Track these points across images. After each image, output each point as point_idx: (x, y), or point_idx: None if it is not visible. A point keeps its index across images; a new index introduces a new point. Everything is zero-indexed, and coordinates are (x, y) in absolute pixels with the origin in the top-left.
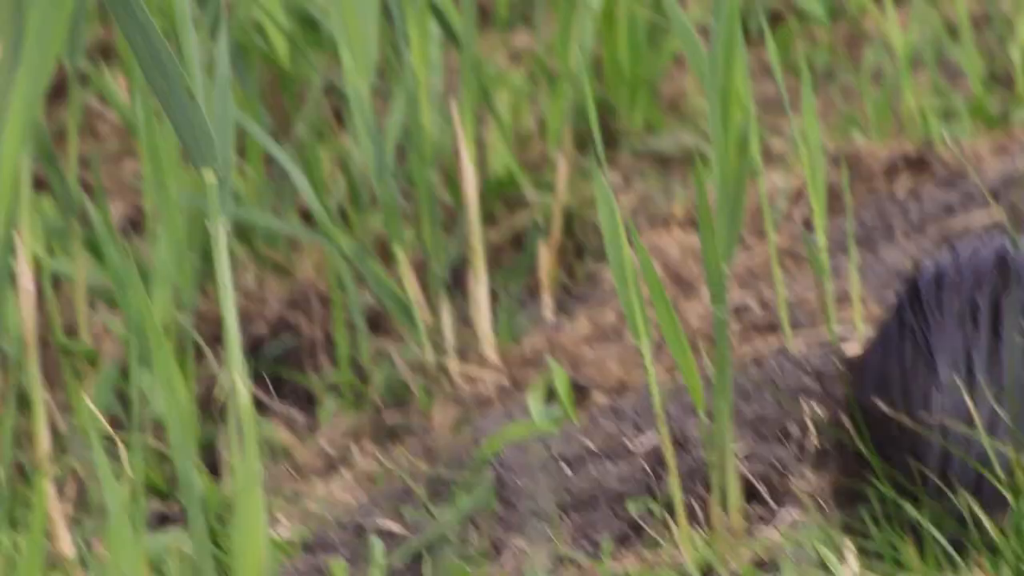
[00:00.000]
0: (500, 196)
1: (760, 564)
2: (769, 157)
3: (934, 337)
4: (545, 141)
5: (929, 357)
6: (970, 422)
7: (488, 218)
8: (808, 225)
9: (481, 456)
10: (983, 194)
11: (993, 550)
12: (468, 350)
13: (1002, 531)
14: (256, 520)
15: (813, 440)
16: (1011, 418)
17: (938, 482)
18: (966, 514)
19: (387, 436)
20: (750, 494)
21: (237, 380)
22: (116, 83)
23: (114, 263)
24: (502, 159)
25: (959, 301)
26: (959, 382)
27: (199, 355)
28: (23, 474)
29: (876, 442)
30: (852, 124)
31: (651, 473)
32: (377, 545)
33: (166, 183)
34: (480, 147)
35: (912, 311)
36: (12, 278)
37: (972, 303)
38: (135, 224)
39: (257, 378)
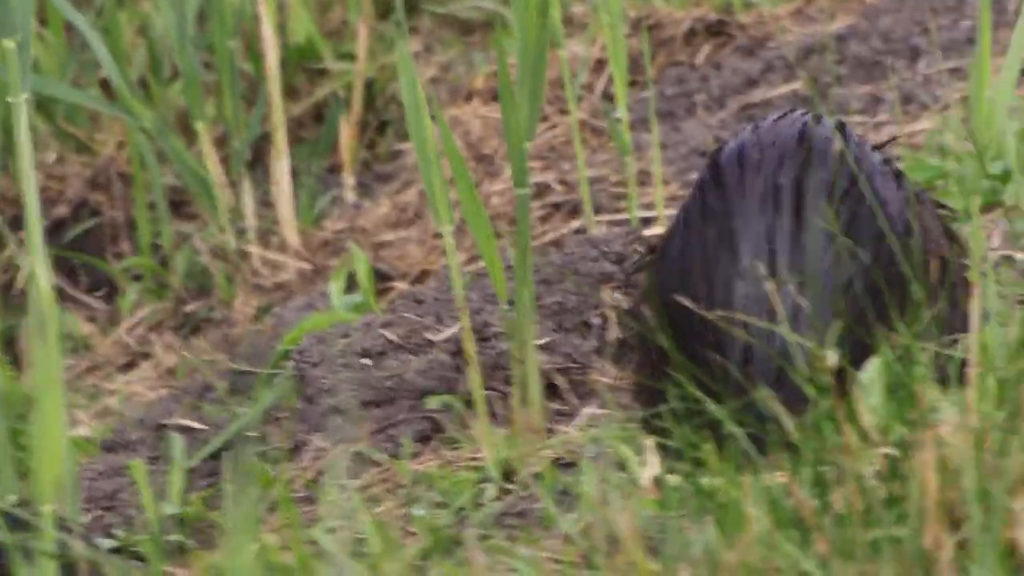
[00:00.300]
0: (301, 67)
1: (560, 462)
2: (570, 23)
3: (736, 220)
4: (345, 7)
5: (731, 242)
6: (772, 313)
7: (289, 90)
8: (609, 97)
9: (282, 348)
10: (784, 64)
11: (793, 448)
12: (270, 234)
13: (802, 428)
14: (55, 419)
15: (614, 332)
16: (813, 309)
17: (739, 377)
18: (766, 411)
19: (189, 326)
20: (551, 388)
21: (38, 269)
22: None
23: None
24: (303, 26)
25: (761, 181)
26: (761, 269)
27: (1, 242)
28: None
29: (677, 334)
30: None
31: (452, 367)
32: (176, 443)
33: None
34: (281, 13)
35: (714, 192)
36: None
37: (774, 184)
38: None
39: (58, 262)
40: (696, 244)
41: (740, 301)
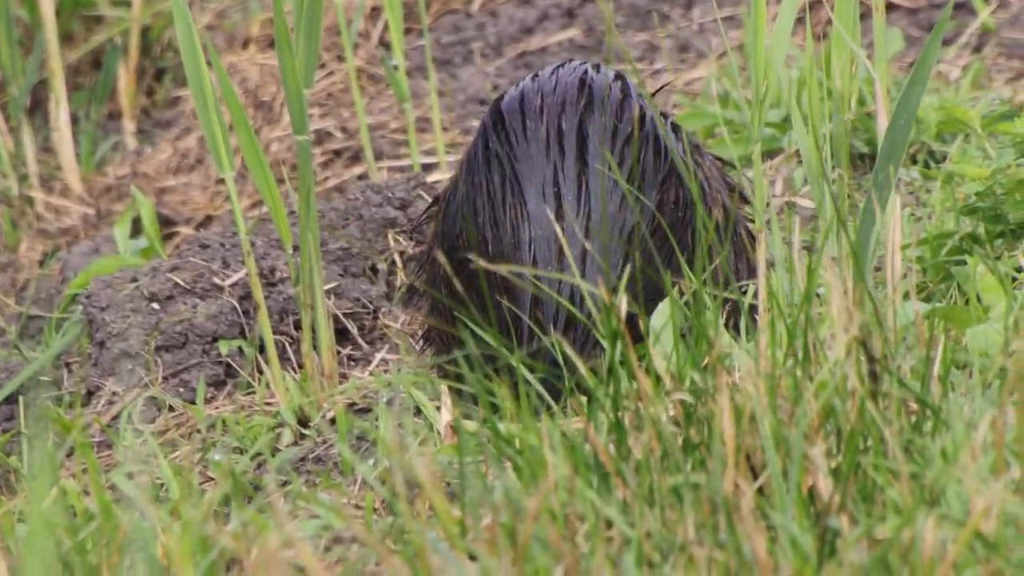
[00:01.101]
0: (77, 13)
1: (355, 408)
2: None
3: (520, 165)
4: None
5: (517, 186)
6: (561, 258)
7: (66, 37)
8: (386, 45)
9: (70, 293)
10: (560, 11)
11: (587, 393)
12: (52, 179)
13: (595, 373)
14: None
15: (401, 277)
16: (601, 253)
17: (530, 324)
18: (559, 357)
19: None
20: (341, 334)
21: None
22: None
23: None
24: None
25: (544, 128)
26: (548, 213)
27: None
28: None
29: (467, 280)
30: None
31: (241, 312)
32: None
33: None
34: None
35: (497, 138)
36: None
37: (558, 129)
38: None
39: None
40: (482, 190)
41: (528, 245)
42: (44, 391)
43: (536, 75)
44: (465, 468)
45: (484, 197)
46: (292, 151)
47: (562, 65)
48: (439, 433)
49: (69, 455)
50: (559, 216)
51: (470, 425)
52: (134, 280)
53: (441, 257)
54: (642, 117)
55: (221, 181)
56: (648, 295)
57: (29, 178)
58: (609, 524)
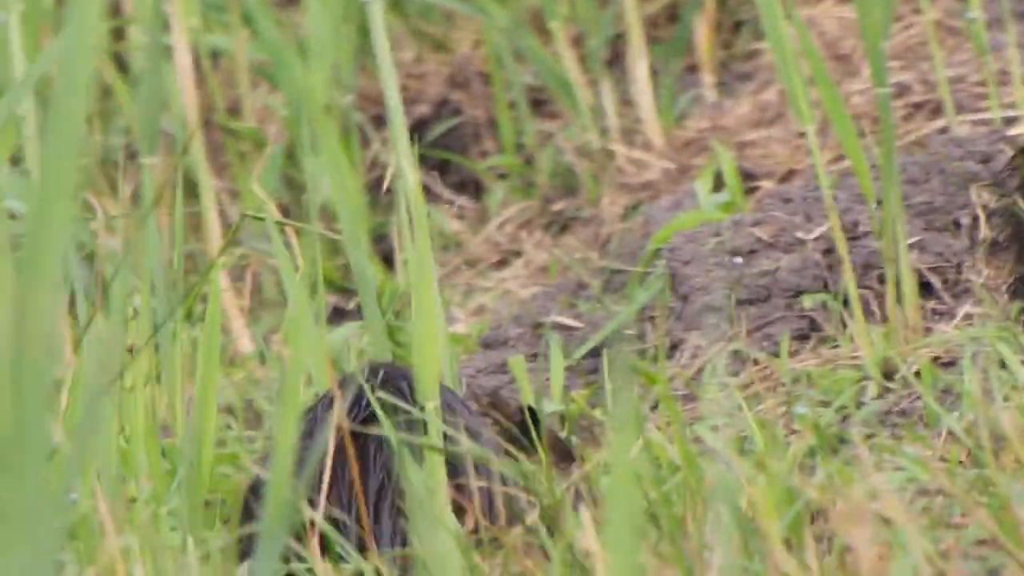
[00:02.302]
0: None
1: (939, 361)
2: None
3: None
4: None
5: None
6: None
7: None
8: None
9: (652, 247)
10: None
11: None
12: (632, 133)
13: None
14: (432, 315)
15: (985, 230)
16: None
17: None
18: None
19: (557, 225)
20: (924, 288)
21: (405, 167)
22: None
23: (271, 36)
24: None
25: None
26: None
27: (364, 140)
28: (195, 264)
29: None
30: None
31: (824, 266)
32: (555, 340)
33: None
34: None
35: None
36: (169, 56)
37: None
38: None
39: (422, 161)
40: None
41: None
42: (627, 344)
43: None
44: None
45: None
46: (872, 104)
47: None
48: None
49: (653, 408)
50: None
51: None
52: (716, 234)
53: None
54: None
55: (802, 135)
56: None
57: (609, 131)
58: None
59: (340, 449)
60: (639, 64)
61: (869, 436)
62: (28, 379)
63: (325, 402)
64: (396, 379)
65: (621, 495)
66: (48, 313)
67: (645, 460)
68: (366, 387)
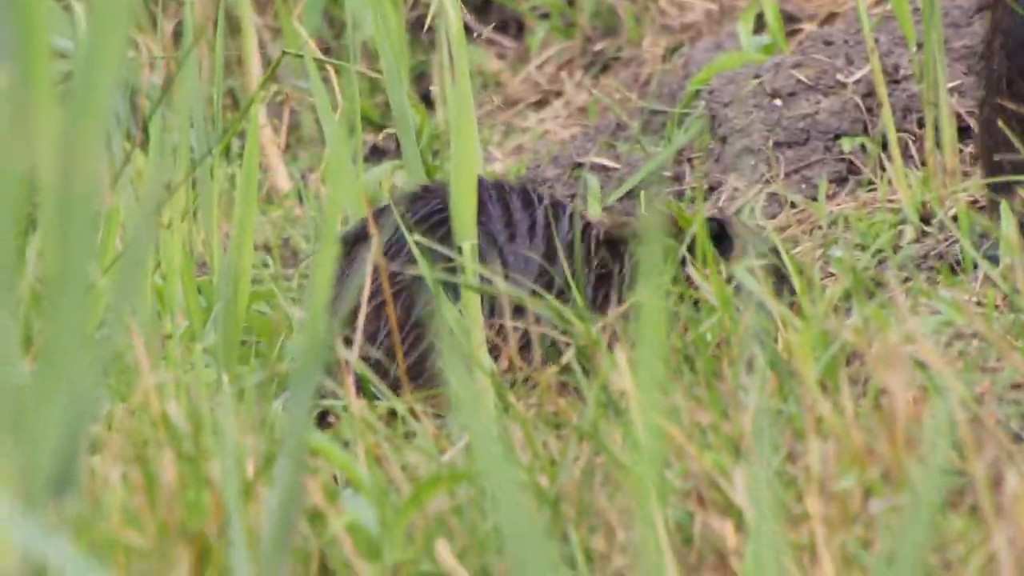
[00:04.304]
0: None
1: (977, 206)
2: None
3: None
4: None
5: None
6: None
7: None
8: None
9: (692, 88)
10: None
11: None
12: None
13: None
14: (471, 155)
15: None
16: None
17: None
18: None
19: (597, 65)
20: (964, 132)
21: (447, 4)
22: None
23: None
24: None
25: None
26: None
27: None
28: (234, 101)
29: None
30: None
31: (864, 109)
32: (592, 181)
33: None
34: None
35: None
36: None
37: None
38: None
39: (465, 0)
40: None
41: None
42: (666, 185)
43: None
44: None
45: None
46: None
47: None
48: None
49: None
50: None
51: None
52: (757, 76)
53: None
54: None
55: None
56: None
57: None
58: None
59: (377, 288)
60: None
61: (905, 280)
62: (74, 223)
63: (362, 235)
64: (431, 202)
65: (651, 334)
66: (95, 154)
67: (681, 302)
68: (402, 224)
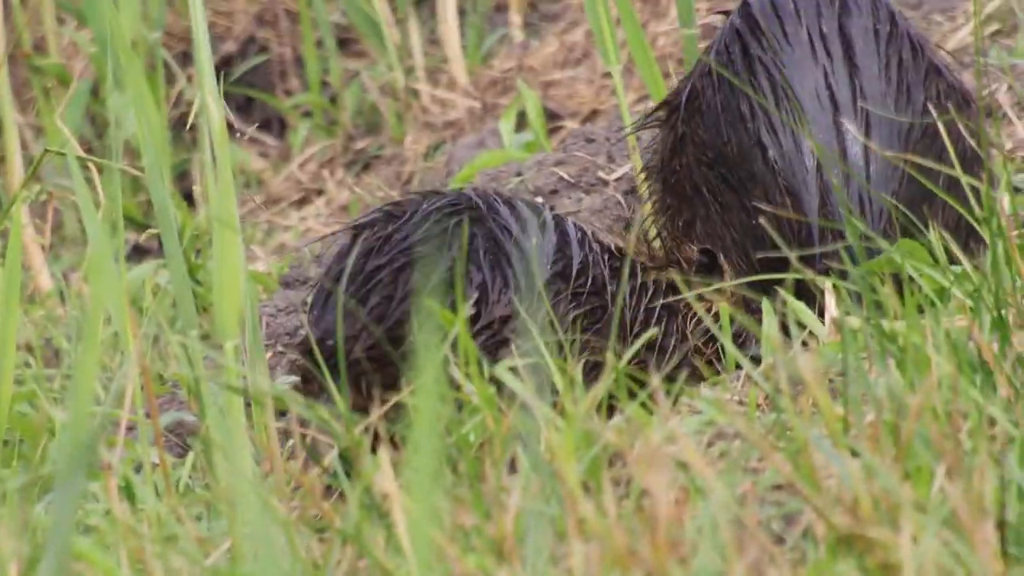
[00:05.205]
0: None
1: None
2: None
3: (789, 70)
4: None
5: (790, 91)
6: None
7: None
8: None
9: (454, 186)
10: None
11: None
12: (438, 72)
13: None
14: (233, 255)
15: None
16: (880, 154)
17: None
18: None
19: (360, 163)
20: None
21: (210, 102)
22: None
23: None
24: None
25: (805, 30)
26: (828, 118)
27: (170, 77)
28: None
29: (719, 187)
30: None
31: (625, 206)
32: None
33: None
34: None
35: (757, 43)
36: None
37: (819, 32)
38: None
39: (227, 99)
40: (745, 96)
41: (810, 150)
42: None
43: None
44: (848, 365)
45: (748, 104)
46: (678, 45)
47: None
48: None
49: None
50: (837, 120)
51: (854, 322)
52: (519, 174)
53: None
54: (893, 14)
55: (607, 75)
56: (917, 199)
57: (415, 71)
58: (992, 422)
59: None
60: (447, 3)
61: (668, 379)
62: None
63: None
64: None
65: (423, 438)
66: None
67: (445, 402)
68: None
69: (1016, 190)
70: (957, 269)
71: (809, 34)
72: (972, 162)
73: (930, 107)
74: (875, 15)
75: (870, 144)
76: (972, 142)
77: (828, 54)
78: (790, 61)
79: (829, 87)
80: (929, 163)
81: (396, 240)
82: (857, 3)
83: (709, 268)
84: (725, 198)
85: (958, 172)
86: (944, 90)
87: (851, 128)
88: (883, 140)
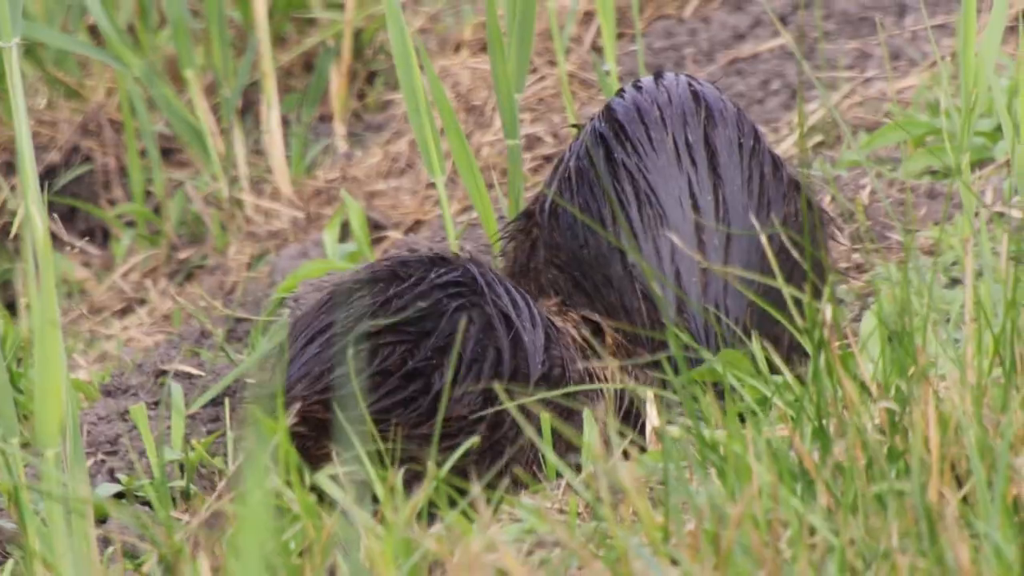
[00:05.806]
0: (290, 16)
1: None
2: None
3: (653, 176)
4: None
5: (653, 197)
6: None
7: (278, 39)
8: (598, 50)
9: (278, 296)
10: (771, 19)
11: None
12: (262, 182)
13: (800, 381)
14: (55, 362)
15: None
16: (740, 264)
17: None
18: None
19: (183, 273)
20: None
21: (34, 212)
22: None
23: None
24: None
25: (671, 138)
26: (689, 225)
27: None
28: None
29: (584, 289)
30: None
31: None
32: (177, 390)
33: None
34: None
35: (622, 148)
36: None
37: (685, 141)
38: None
39: (51, 208)
40: (608, 201)
41: (670, 256)
42: (249, 392)
43: (638, 84)
44: (669, 474)
45: (610, 208)
46: (503, 156)
47: (660, 76)
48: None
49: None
50: (699, 228)
51: (674, 431)
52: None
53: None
54: (756, 129)
55: (431, 185)
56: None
57: (239, 181)
58: (812, 531)
59: None
60: (271, 113)
61: (488, 487)
62: None
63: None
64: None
65: (248, 545)
66: None
67: (268, 510)
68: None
69: (839, 301)
70: (778, 379)
71: (675, 141)
72: (824, 275)
73: (788, 223)
74: (740, 128)
75: (726, 259)
76: (795, 254)
77: (693, 163)
78: (654, 167)
79: (692, 195)
80: (768, 279)
81: (394, 307)
82: (723, 114)
83: (594, 332)
84: (574, 300)
85: (780, 284)
86: (802, 208)
87: (714, 239)
88: (742, 251)
